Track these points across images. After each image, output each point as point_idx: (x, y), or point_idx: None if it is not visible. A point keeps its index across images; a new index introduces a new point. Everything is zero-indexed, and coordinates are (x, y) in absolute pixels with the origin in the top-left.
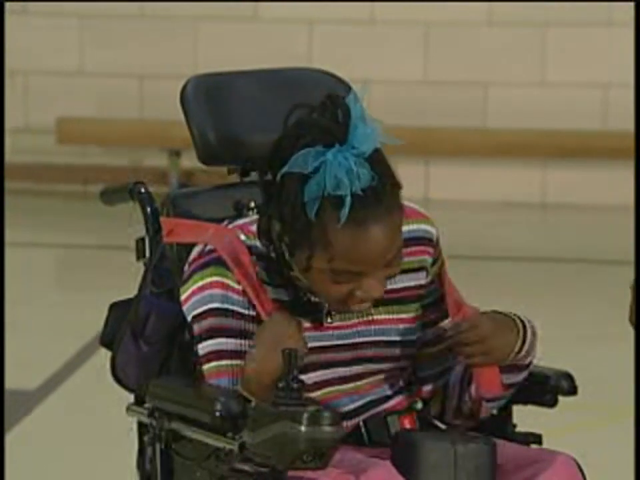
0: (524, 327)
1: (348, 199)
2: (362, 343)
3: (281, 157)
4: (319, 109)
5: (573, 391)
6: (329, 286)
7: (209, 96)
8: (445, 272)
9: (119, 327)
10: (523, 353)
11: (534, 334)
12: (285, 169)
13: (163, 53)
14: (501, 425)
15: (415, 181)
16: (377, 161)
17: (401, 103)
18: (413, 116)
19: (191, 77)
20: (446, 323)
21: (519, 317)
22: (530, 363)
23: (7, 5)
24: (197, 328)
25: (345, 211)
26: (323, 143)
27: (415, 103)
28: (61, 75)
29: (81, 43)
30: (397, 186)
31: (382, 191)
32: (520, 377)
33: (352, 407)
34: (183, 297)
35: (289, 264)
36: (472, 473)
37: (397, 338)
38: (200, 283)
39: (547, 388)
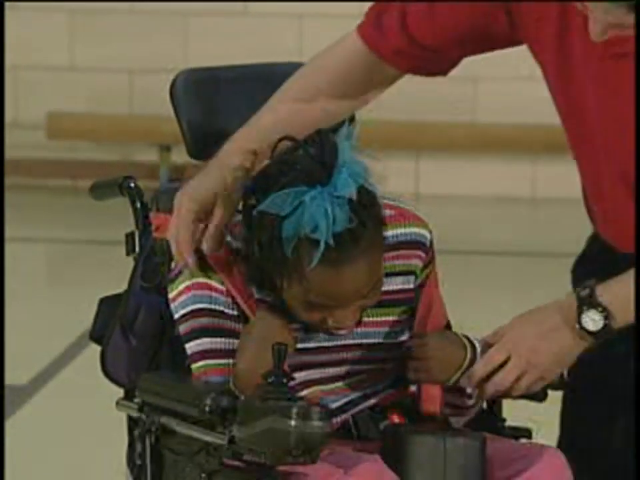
0: (474, 353)
1: (322, 243)
2: (348, 345)
3: (264, 190)
4: (306, 144)
5: (562, 385)
6: (302, 311)
7: (199, 90)
8: (432, 277)
9: (109, 322)
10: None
11: None
12: (261, 207)
13: (153, 48)
14: (490, 420)
15: (405, 175)
16: (360, 200)
17: (391, 98)
18: (403, 110)
19: (181, 71)
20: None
21: (472, 343)
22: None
23: None
24: (183, 328)
25: (318, 254)
26: (305, 183)
27: (405, 97)
28: (50, 70)
29: (70, 38)
30: (379, 223)
31: (360, 232)
32: (468, 402)
33: (339, 404)
34: (170, 296)
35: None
36: (461, 468)
37: (383, 340)
38: (185, 284)
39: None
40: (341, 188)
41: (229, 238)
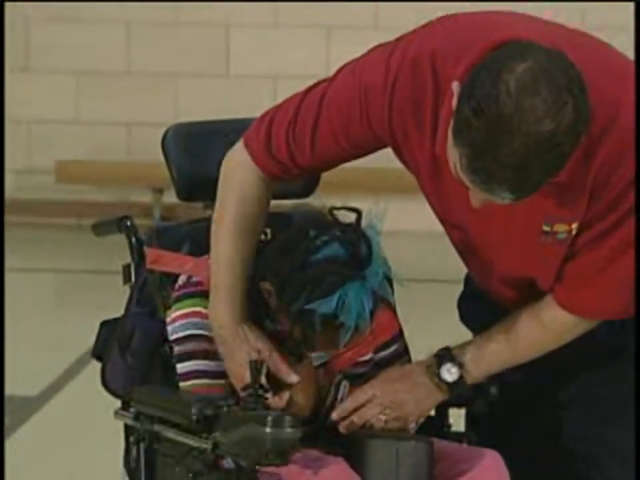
0: (335, 394)
1: (349, 332)
2: (319, 366)
3: (312, 289)
4: (344, 241)
5: (500, 396)
6: None
7: (187, 141)
8: (383, 310)
9: (108, 342)
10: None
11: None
12: (312, 306)
13: (147, 105)
14: (438, 426)
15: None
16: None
17: None
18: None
19: (172, 125)
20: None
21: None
22: None
23: (9, 63)
24: (177, 349)
25: (345, 338)
26: (346, 280)
27: None
28: (59, 123)
29: (76, 96)
30: None
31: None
32: None
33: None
34: (168, 318)
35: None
36: (412, 467)
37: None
38: (184, 310)
39: (479, 394)
40: (373, 281)
41: None
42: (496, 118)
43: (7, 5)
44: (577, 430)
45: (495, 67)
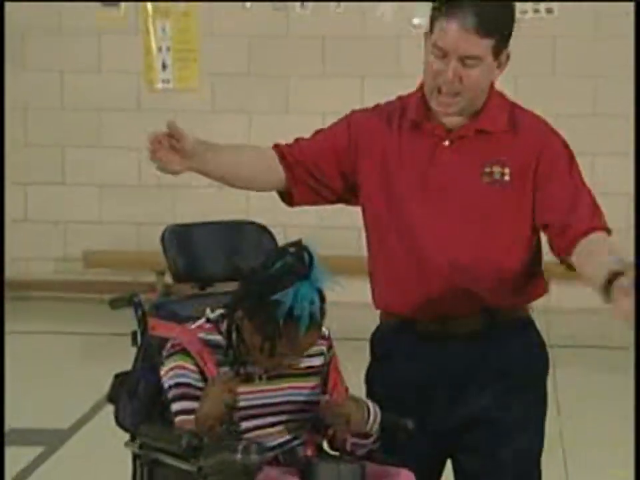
0: (368, 409)
1: (306, 322)
2: (280, 402)
3: (268, 288)
4: (291, 253)
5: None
6: (265, 358)
7: (179, 238)
8: (334, 357)
9: (120, 390)
10: (369, 427)
11: (376, 415)
12: (275, 297)
13: (152, 209)
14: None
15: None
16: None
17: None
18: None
19: (168, 225)
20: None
21: (366, 402)
22: (373, 433)
23: (51, 179)
24: (169, 394)
25: (302, 329)
26: (296, 280)
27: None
28: (87, 223)
29: (100, 203)
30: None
31: (323, 310)
32: (367, 441)
33: (273, 443)
34: (161, 372)
35: (240, 347)
36: None
37: (304, 399)
38: (170, 365)
39: (398, 427)
40: (319, 281)
41: (202, 334)
42: None
43: (50, 141)
44: (471, 450)
45: None
